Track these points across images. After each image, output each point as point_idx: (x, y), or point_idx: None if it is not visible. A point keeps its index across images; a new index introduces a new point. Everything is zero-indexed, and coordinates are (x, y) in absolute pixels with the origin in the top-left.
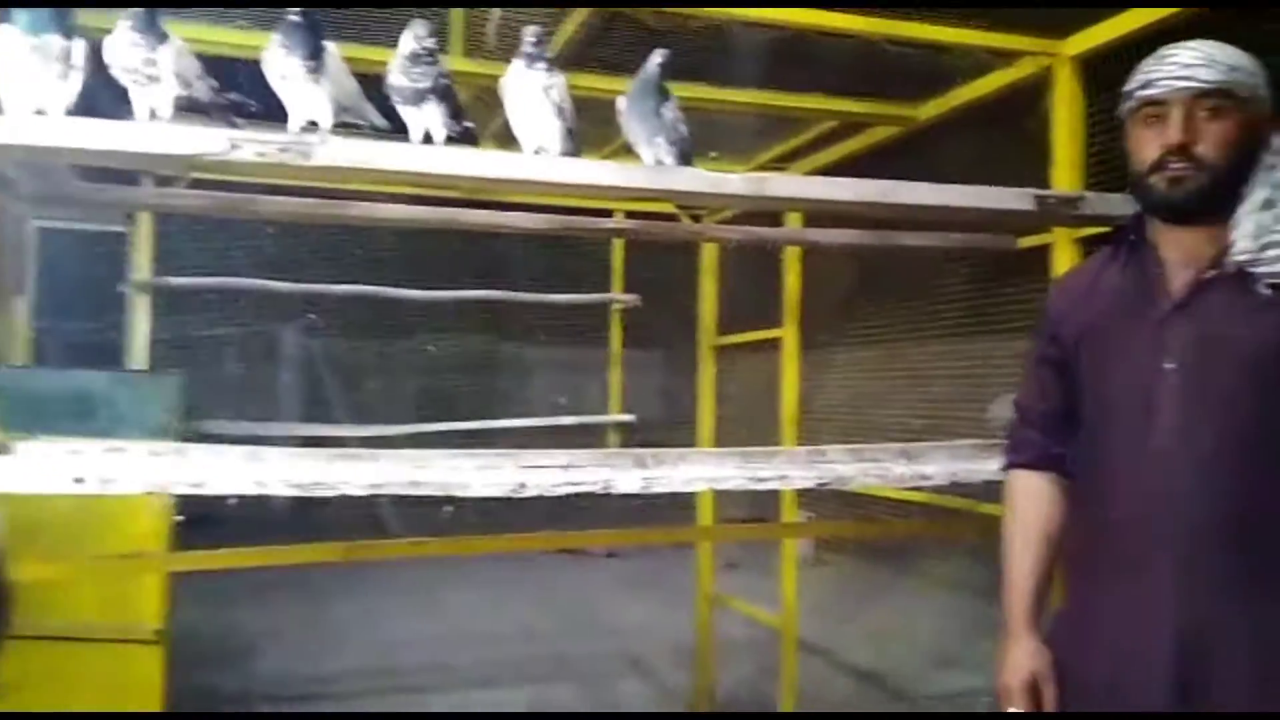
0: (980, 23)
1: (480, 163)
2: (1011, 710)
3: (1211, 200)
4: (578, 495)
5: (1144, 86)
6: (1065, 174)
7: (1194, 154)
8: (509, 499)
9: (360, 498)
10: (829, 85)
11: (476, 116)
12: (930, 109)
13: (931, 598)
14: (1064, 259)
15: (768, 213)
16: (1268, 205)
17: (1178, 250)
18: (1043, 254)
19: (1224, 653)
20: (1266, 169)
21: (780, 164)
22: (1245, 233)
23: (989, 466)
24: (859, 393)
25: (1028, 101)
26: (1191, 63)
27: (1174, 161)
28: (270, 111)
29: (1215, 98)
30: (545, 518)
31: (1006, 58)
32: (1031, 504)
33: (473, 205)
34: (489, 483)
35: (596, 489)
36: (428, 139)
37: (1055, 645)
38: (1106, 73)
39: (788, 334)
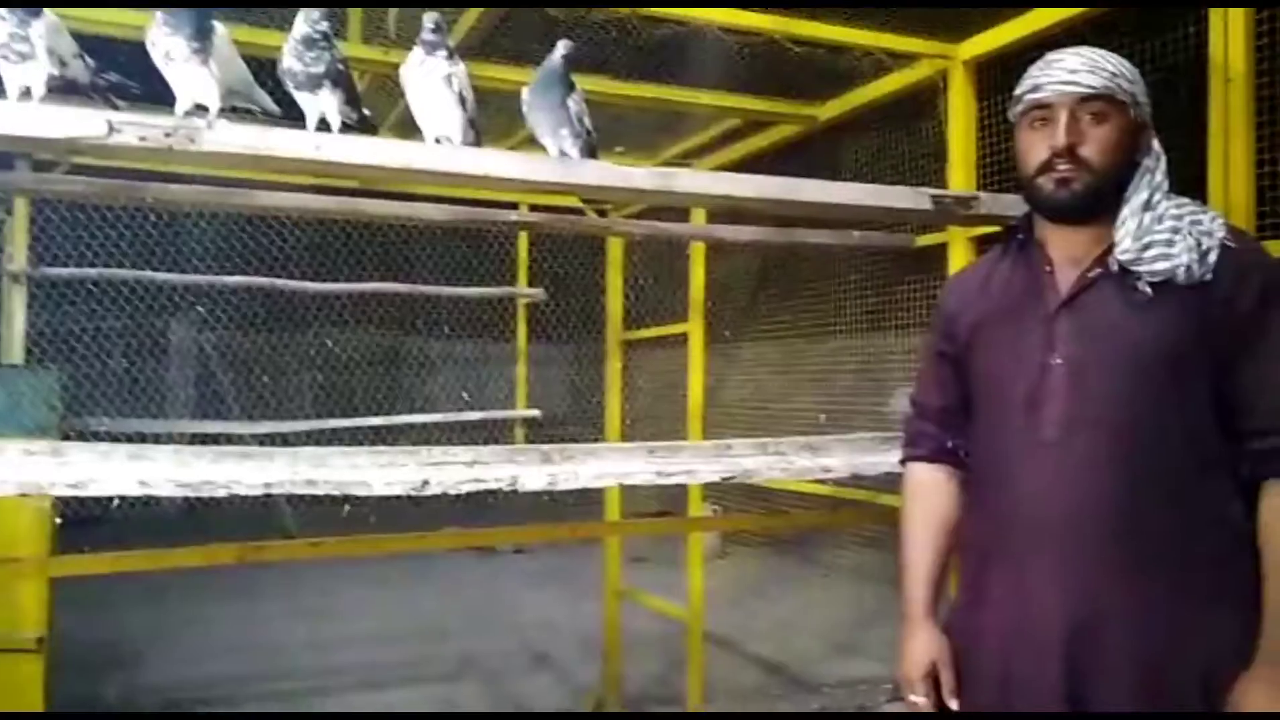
0: (879, 24)
1: (379, 151)
2: (912, 698)
3: (1096, 201)
4: (484, 492)
5: (1032, 90)
6: (960, 174)
7: (1079, 156)
8: (413, 496)
9: (258, 497)
10: (733, 83)
11: (375, 106)
12: (831, 109)
13: (834, 587)
14: (959, 257)
15: (674, 208)
16: (1148, 207)
17: (1065, 249)
18: (939, 252)
19: (1110, 640)
20: (1146, 172)
21: (685, 160)
22: (1127, 233)
23: (888, 459)
24: (764, 387)
25: (925, 104)
26: (1077, 68)
27: (1061, 163)
28: (154, 94)
29: (1099, 102)
30: (451, 515)
31: (904, 60)
32: (928, 496)
33: (372, 196)
34: (390, 481)
35: (502, 486)
36: (323, 126)
37: (953, 633)
38: (1000, 77)
39: (693, 329)
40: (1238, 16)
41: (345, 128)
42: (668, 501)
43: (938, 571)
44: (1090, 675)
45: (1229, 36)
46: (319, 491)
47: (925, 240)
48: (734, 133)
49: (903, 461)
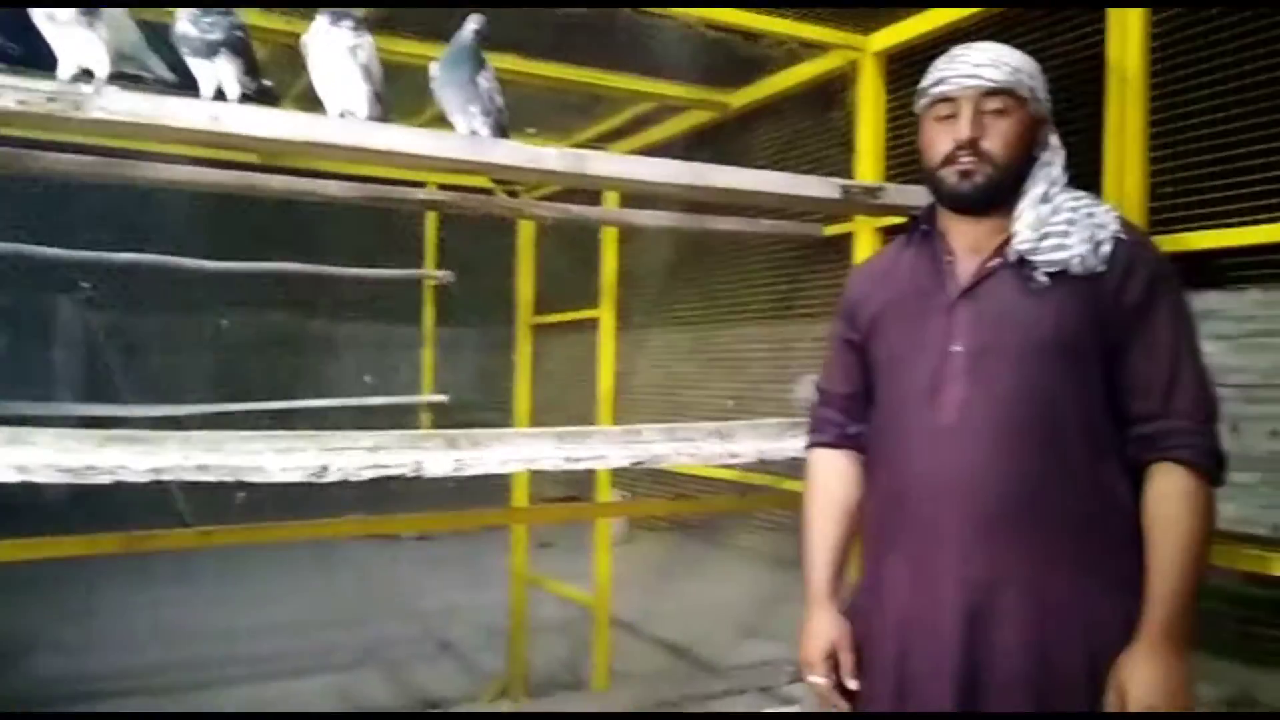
0: (794, 14)
1: (279, 123)
2: (811, 679)
3: (996, 193)
4: (387, 478)
5: (937, 84)
6: (868, 165)
7: (981, 149)
8: (314, 483)
9: (154, 483)
10: (647, 66)
11: (277, 77)
12: (744, 96)
13: (740, 570)
14: (865, 246)
15: (586, 191)
16: (1045, 199)
17: (966, 240)
18: (846, 242)
19: (1004, 621)
20: (1045, 165)
21: (598, 144)
22: (1025, 224)
23: (794, 444)
24: (674, 373)
25: (836, 94)
26: (980, 62)
27: (964, 156)
28: (37, 58)
29: (1001, 97)
30: (354, 502)
31: (816, 50)
32: (830, 482)
33: (272, 171)
34: (288, 466)
35: (405, 472)
36: (220, 96)
37: (854, 616)
38: (908, 70)
39: (604, 314)
40: (1135, 19)
41: (244, 98)
42: (576, 487)
43: (838, 555)
44: (985, 656)
45: (1126, 38)
46: (211, 478)
47: (833, 230)
48: (647, 117)
49: (807, 448)
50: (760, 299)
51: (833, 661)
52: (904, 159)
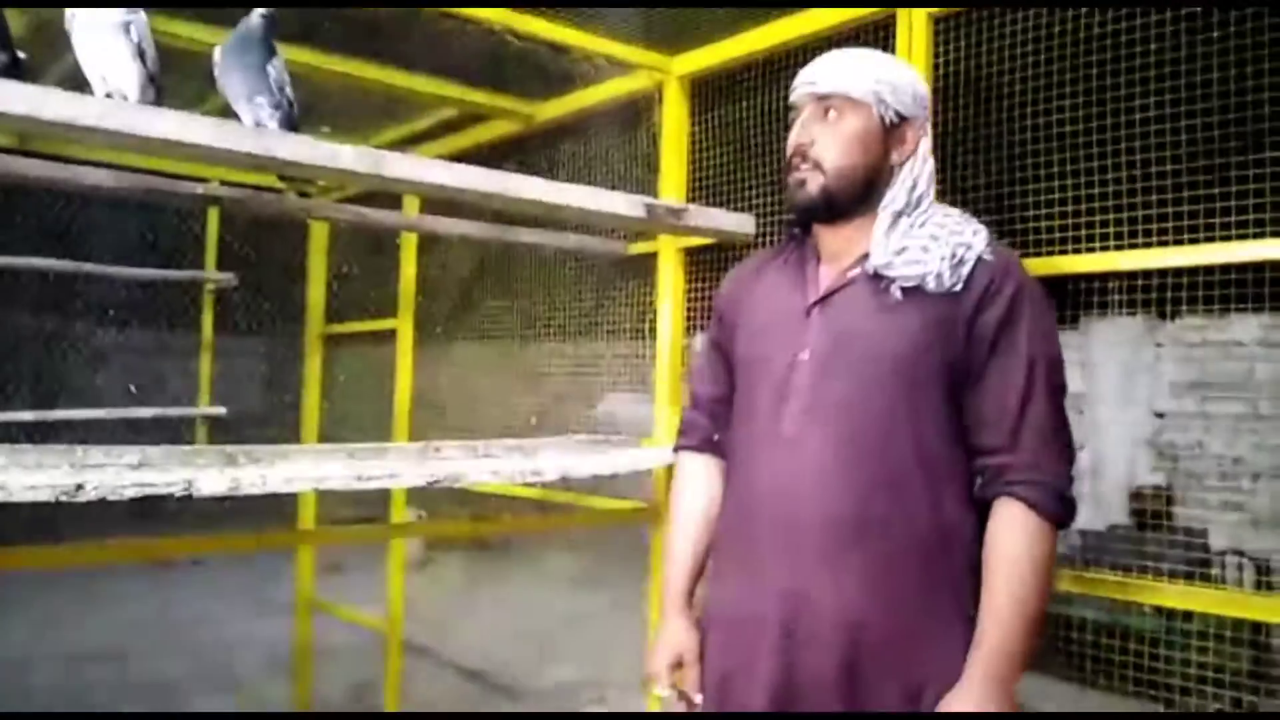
0: (603, 30)
1: (35, 101)
2: (656, 691)
3: (836, 201)
4: (156, 498)
5: (791, 92)
6: (671, 185)
7: (810, 155)
8: (68, 503)
9: None
10: (451, 71)
11: (37, 55)
12: (549, 109)
13: (540, 591)
14: (669, 265)
15: (385, 194)
16: (907, 212)
17: (830, 247)
18: (650, 261)
19: (816, 642)
20: (907, 176)
21: (398, 149)
22: (879, 239)
23: (597, 462)
24: (476, 388)
25: (641, 114)
26: (818, 68)
27: (797, 162)
28: None
29: (835, 101)
30: (121, 524)
31: (623, 68)
32: (692, 487)
33: (26, 155)
34: (35, 484)
35: (175, 490)
36: None
37: (705, 626)
38: (712, 94)
39: (402, 325)
40: (920, 49)
41: None
42: (368, 505)
43: (695, 563)
44: (798, 676)
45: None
46: None
47: (638, 248)
48: (450, 125)
49: (674, 450)
50: (565, 315)
51: (679, 673)
52: (706, 181)
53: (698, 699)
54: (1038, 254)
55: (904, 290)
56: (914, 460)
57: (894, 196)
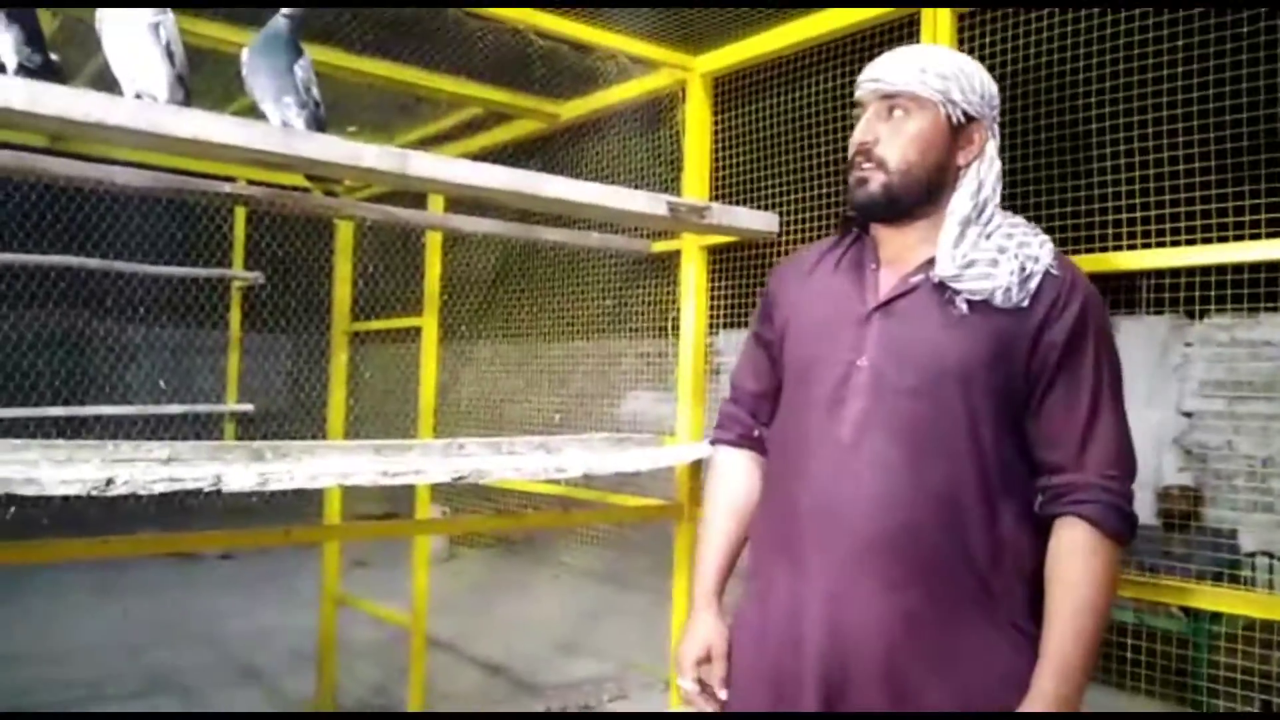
0: (626, 29)
1: (68, 101)
2: (681, 684)
3: (899, 202)
4: (184, 493)
5: (856, 88)
6: (694, 184)
7: (874, 155)
8: (101, 498)
9: None
10: (475, 70)
11: (68, 56)
12: (574, 108)
13: (562, 588)
14: (691, 264)
15: (409, 193)
16: (975, 220)
17: (890, 249)
18: (674, 259)
19: (864, 650)
20: (973, 179)
21: (422, 147)
22: (946, 250)
23: (620, 459)
24: (499, 386)
25: (665, 112)
26: (884, 65)
27: (860, 161)
28: None
29: (902, 99)
30: (149, 518)
31: (646, 66)
32: (729, 482)
33: (58, 155)
34: (67, 479)
35: (204, 486)
36: None
37: (738, 624)
38: (736, 92)
39: (427, 323)
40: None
41: (26, 72)
42: (393, 502)
43: (728, 559)
44: (843, 683)
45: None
46: None
47: (661, 246)
48: (474, 124)
49: (712, 443)
50: (588, 313)
51: (706, 667)
52: (729, 179)
53: (722, 695)
54: (1064, 253)
55: (969, 303)
56: (972, 473)
57: (960, 200)
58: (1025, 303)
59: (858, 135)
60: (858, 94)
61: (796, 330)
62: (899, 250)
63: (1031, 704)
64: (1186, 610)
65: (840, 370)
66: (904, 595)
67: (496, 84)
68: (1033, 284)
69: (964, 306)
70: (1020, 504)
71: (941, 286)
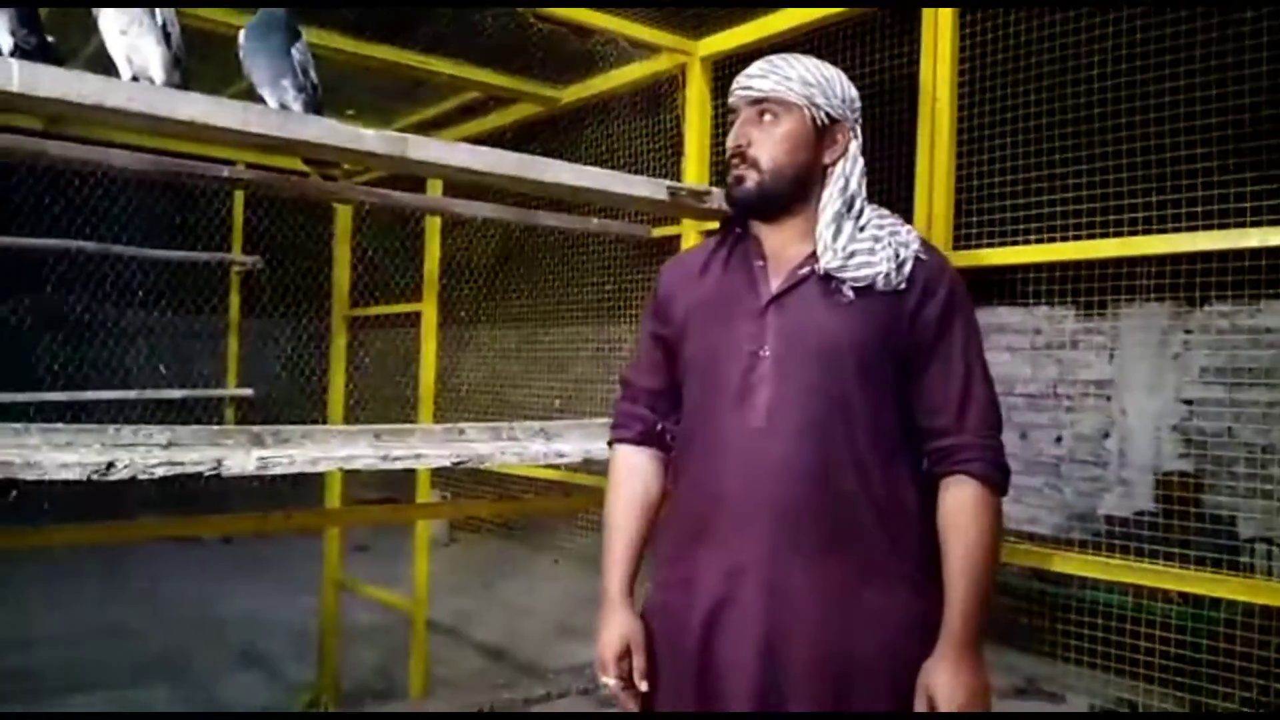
0: (626, 13)
1: (64, 83)
2: (605, 680)
3: (773, 199)
4: (184, 477)
5: (729, 96)
6: (694, 168)
7: (747, 156)
8: (101, 482)
9: None
10: (474, 54)
11: (65, 38)
12: (574, 92)
13: (562, 572)
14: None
15: (408, 177)
16: (848, 215)
17: (774, 245)
18: (674, 243)
19: (799, 623)
20: (840, 177)
21: (421, 131)
22: (826, 243)
23: None
24: (499, 371)
25: (666, 96)
26: (753, 74)
27: (735, 162)
28: None
29: (770, 104)
30: (151, 502)
31: (646, 51)
32: (633, 479)
33: (54, 138)
34: (68, 463)
35: (204, 470)
36: None
37: (653, 615)
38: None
39: (427, 308)
40: (945, 47)
41: (23, 54)
42: (393, 487)
43: (635, 555)
44: (782, 654)
45: (937, 64)
46: None
47: (661, 231)
48: (474, 107)
49: (610, 443)
50: (588, 298)
51: (627, 662)
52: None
53: (643, 687)
54: (1064, 239)
55: (854, 289)
56: (872, 442)
57: (830, 196)
58: (902, 285)
59: (732, 139)
60: (731, 100)
61: (696, 327)
62: (780, 246)
63: (945, 642)
64: (1186, 596)
65: (744, 361)
66: (831, 558)
67: (496, 68)
68: (907, 268)
69: (850, 293)
70: (910, 466)
71: (827, 277)
